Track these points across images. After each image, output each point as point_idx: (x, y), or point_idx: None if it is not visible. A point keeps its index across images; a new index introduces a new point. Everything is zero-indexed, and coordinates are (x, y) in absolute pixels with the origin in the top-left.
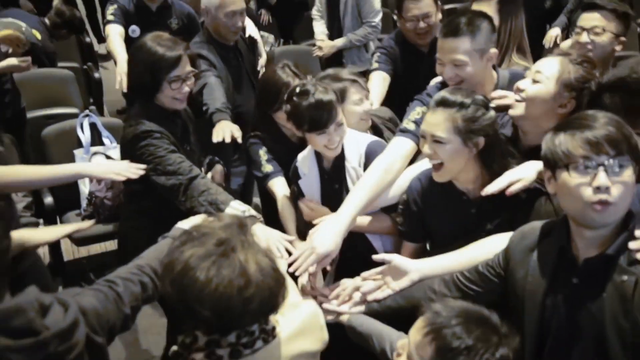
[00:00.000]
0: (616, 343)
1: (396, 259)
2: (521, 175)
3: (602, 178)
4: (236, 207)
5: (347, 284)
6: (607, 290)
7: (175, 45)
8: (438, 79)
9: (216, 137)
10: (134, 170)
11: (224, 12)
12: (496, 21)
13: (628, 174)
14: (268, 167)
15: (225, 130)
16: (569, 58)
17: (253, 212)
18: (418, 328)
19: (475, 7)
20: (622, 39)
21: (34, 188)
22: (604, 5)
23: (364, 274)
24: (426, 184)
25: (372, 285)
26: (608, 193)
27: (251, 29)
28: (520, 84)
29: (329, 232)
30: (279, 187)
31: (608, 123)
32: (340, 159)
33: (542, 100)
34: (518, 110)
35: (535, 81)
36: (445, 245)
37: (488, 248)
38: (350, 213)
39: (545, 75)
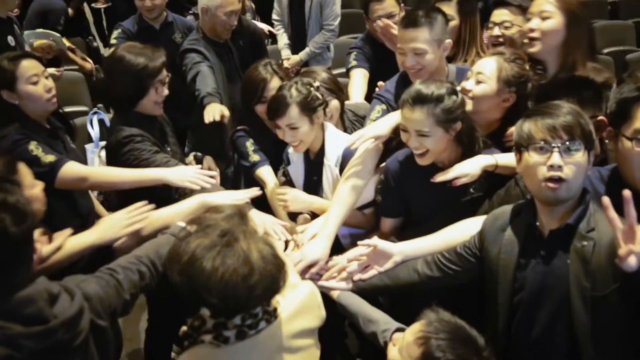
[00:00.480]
0: (579, 301)
1: (380, 243)
2: (467, 170)
3: (555, 158)
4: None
5: (337, 261)
6: (570, 256)
7: (154, 54)
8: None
9: (207, 118)
10: (204, 179)
11: (223, 12)
12: (457, 21)
13: (579, 155)
14: (255, 157)
15: (215, 111)
16: (503, 57)
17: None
18: (413, 330)
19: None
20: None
21: (118, 189)
22: (511, 1)
23: (349, 256)
24: (404, 161)
25: (356, 266)
26: (560, 171)
27: (264, 26)
28: (466, 85)
29: (318, 242)
30: (267, 174)
31: (568, 112)
32: (321, 155)
33: (488, 98)
34: (467, 107)
35: (478, 82)
36: (424, 219)
37: (464, 230)
38: (334, 223)
39: (486, 76)
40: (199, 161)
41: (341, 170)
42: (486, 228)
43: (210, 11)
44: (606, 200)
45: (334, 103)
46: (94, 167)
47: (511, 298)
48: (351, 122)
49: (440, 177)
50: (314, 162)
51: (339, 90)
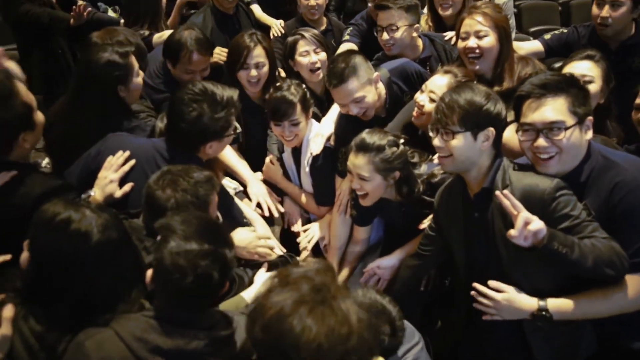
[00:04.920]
0: (503, 248)
1: (382, 263)
2: None
3: (435, 140)
4: (227, 185)
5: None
6: (494, 212)
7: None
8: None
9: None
10: (266, 209)
11: None
12: None
13: (459, 138)
14: None
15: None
16: (455, 78)
17: (241, 188)
18: None
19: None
20: (417, 25)
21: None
22: (390, 5)
23: (362, 279)
24: None
25: (372, 282)
26: (443, 152)
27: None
28: (420, 100)
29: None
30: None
31: (457, 98)
32: (300, 150)
33: None
34: (421, 121)
35: (431, 100)
36: (395, 241)
37: None
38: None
39: (437, 95)
40: None
41: (310, 169)
42: (436, 204)
43: None
44: (498, 193)
45: (323, 55)
46: None
47: (467, 254)
48: None
49: (423, 225)
50: (298, 151)
51: (326, 47)
